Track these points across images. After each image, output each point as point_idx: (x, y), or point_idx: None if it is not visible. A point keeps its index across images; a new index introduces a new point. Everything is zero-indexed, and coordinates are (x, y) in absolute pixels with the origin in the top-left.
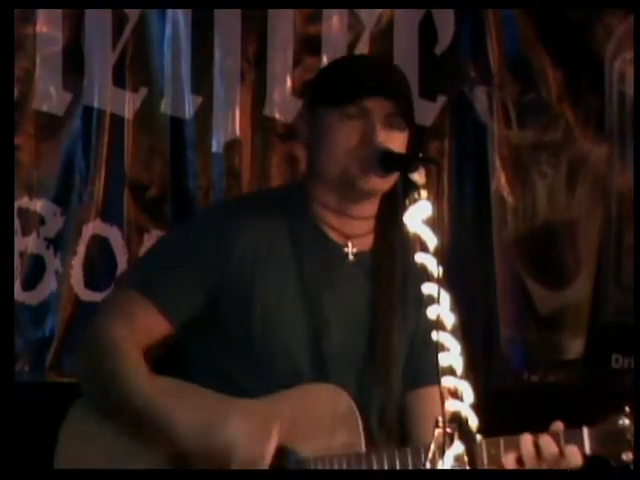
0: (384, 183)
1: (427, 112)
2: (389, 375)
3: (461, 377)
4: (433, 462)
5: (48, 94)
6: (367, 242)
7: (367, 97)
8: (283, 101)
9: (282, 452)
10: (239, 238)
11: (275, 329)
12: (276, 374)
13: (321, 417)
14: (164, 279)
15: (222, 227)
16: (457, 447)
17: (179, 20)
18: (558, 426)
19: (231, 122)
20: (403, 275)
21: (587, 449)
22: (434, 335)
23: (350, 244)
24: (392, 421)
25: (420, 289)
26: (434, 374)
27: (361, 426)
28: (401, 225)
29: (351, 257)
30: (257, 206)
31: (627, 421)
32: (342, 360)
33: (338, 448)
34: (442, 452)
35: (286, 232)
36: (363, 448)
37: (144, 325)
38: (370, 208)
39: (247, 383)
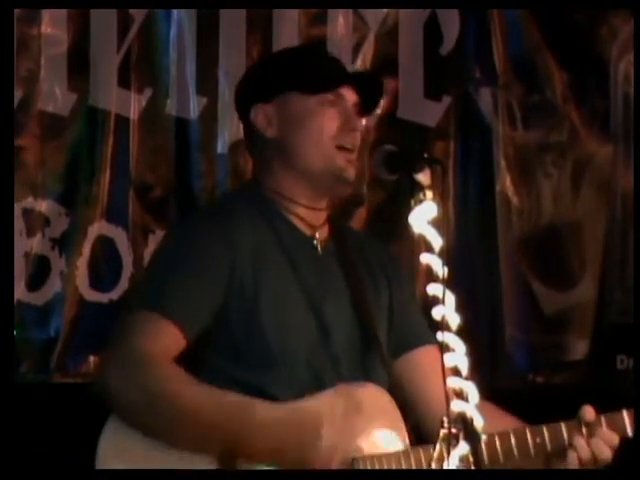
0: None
1: (432, 113)
2: (384, 356)
3: (466, 378)
4: (438, 462)
5: (53, 95)
6: (325, 231)
7: (344, 85)
8: None
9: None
10: (239, 245)
11: (289, 333)
12: (297, 378)
13: (365, 416)
14: (178, 295)
15: (223, 236)
16: (462, 447)
17: (184, 21)
18: (589, 411)
19: (236, 123)
20: (361, 253)
21: (629, 431)
22: (439, 335)
23: (317, 235)
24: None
25: (381, 262)
26: (416, 337)
27: (403, 422)
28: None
29: (319, 248)
30: (238, 211)
31: None
32: (348, 352)
33: (385, 445)
34: (447, 452)
35: (269, 232)
36: (408, 443)
37: (166, 344)
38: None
39: (271, 391)
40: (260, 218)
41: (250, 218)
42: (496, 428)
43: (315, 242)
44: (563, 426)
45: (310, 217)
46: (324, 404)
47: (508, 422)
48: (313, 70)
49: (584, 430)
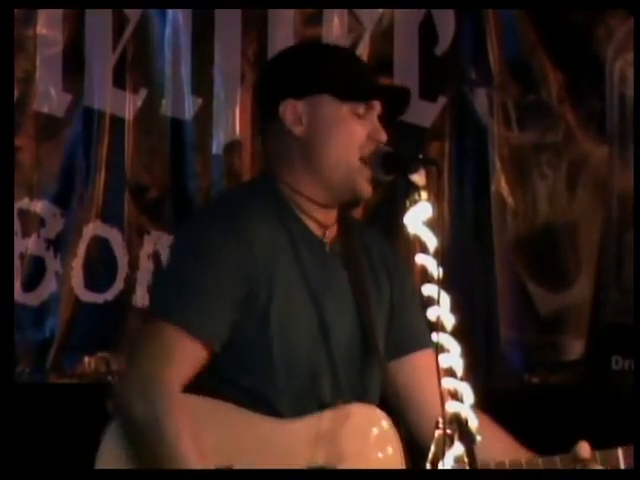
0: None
1: (427, 113)
2: (381, 360)
3: (461, 378)
4: (433, 463)
5: (48, 95)
6: (334, 230)
7: (376, 97)
8: None
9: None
10: (253, 249)
11: (292, 337)
12: (295, 383)
13: (360, 437)
14: (200, 309)
15: (240, 240)
16: (457, 448)
17: (179, 21)
18: (585, 448)
19: (231, 123)
20: (366, 248)
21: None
22: (434, 336)
23: (327, 233)
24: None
25: (384, 256)
26: (413, 341)
27: (400, 445)
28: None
29: (328, 247)
30: (252, 209)
31: None
32: (346, 356)
33: (378, 467)
34: (442, 453)
35: (282, 230)
36: (403, 466)
37: (189, 360)
38: None
39: (272, 398)
40: (275, 217)
41: (266, 218)
42: (489, 446)
43: (325, 240)
44: (558, 460)
45: (322, 216)
46: (313, 426)
47: (502, 439)
48: (352, 77)
49: (578, 466)
